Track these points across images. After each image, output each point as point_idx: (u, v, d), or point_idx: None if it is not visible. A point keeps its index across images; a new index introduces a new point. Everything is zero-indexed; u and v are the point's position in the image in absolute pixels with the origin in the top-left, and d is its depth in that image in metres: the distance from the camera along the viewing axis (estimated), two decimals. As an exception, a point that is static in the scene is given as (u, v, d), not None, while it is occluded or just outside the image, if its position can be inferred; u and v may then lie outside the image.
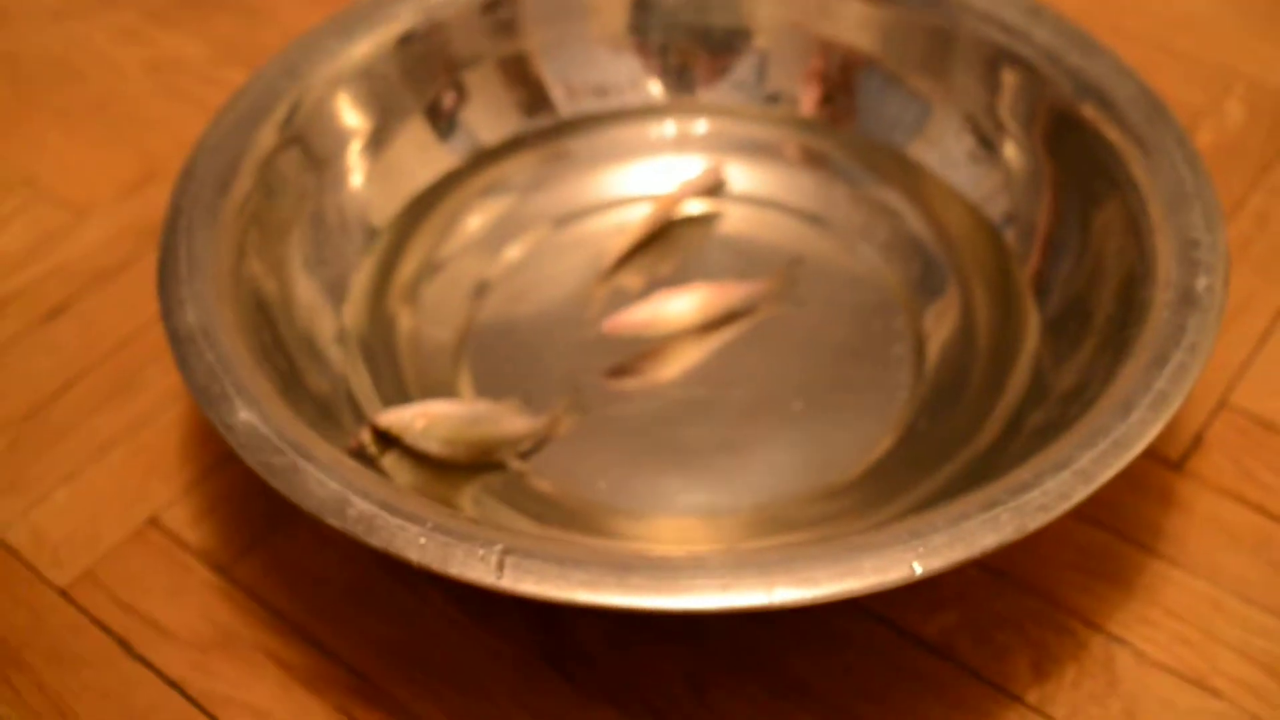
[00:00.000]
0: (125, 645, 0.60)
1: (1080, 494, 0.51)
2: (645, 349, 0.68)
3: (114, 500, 0.66)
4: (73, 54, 0.94)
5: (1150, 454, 0.65)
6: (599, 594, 0.49)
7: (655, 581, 0.49)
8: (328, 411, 0.62)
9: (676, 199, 0.74)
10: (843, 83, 0.76)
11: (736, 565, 0.49)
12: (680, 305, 0.68)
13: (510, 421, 0.64)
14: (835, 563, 0.49)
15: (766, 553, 0.51)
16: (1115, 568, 0.61)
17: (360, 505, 0.51)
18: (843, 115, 0.76)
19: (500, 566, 0.49)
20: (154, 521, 0.65)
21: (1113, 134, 0.65)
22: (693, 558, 0.50)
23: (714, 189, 0.75)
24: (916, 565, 0.49)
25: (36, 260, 0.78)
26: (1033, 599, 0.60)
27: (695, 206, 0.75)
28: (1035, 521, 0.50)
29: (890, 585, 0.49)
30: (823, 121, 0.76)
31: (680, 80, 0.78)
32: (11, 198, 0.82)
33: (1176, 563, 0.61)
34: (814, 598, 0.48)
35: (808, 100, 0.77)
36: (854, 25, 0.75)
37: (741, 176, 0.76)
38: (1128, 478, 0.63)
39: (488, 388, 0.67)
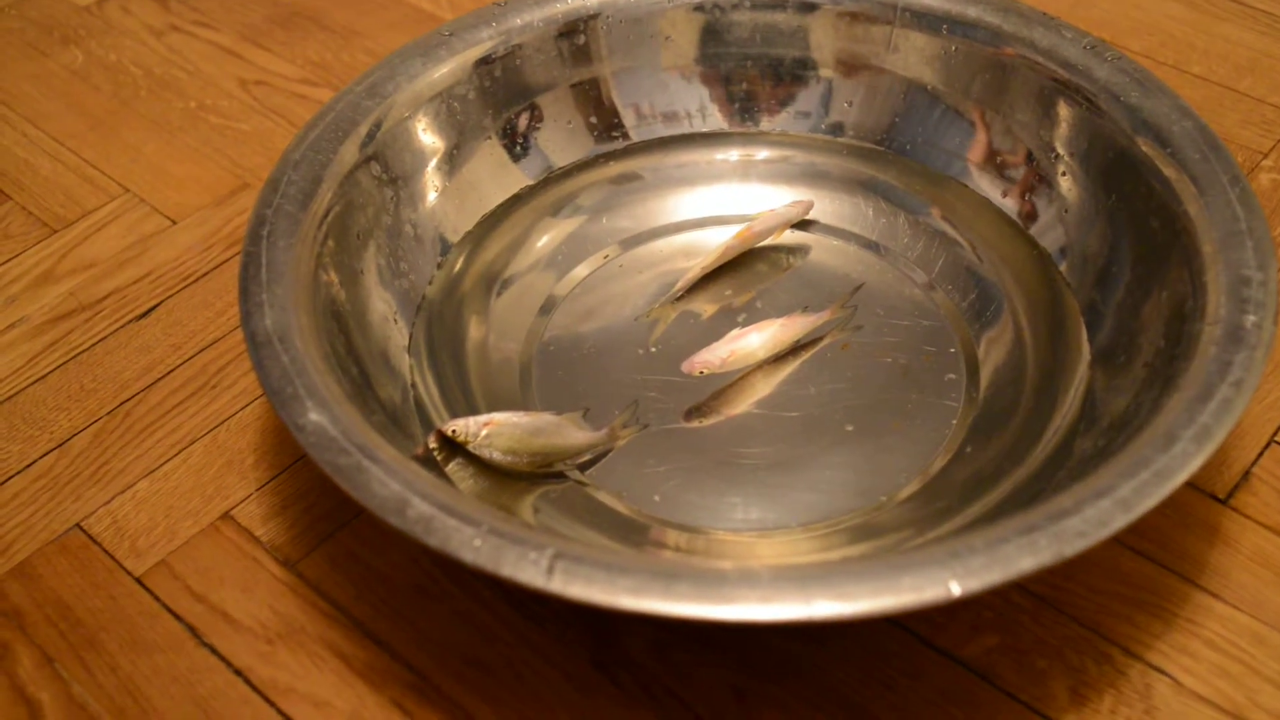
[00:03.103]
0: (195, 633, 0.63)
1: (1119, 522, 0.52)
2: (718, 385, 0.70)
3: (191, 495, 0.68)
4: (172, 69, 0.97)
5: (1197, 488, 0.66)
6: (644, 601, 0.50)
7: (699, 591, 0.51)
8: (396, 418, 0.64)
9: (759, 231, 0.75)
10: (905, 114, 0.77)
11: (778, 579, 0.51)
12: (753, 343, 0.69)
13: (571, 434, 0.66)
14: (874, 580, 0.51)
15: (807, 568, 0.53)
16: (1158, 599, 0.62)
17: (420, 506, 0.54)
18: (904, 146, 0.78)
19: (551, 570, 0.51)
20: (228, 517, 0.68)
21: (1169, 170, 0.66)
22: (737, 570, 0.52)
23: (796, 222, 0.77)
24: (954, 585, 0.50)
25: (130, 264, 0.82)
26: (1074, 626, 0.61)
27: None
28: (1073, 547, 0.51)
29: (927, 604, 0.50)
30: (884, 152, 0.78)
31: (745, 108, 0.80)
32: (109, 203, 0.86)
33: (1220, 596, 0.62)
34: (852, 613, 0.50)
35: (870, 131, 0.78)
36: (918, 58, 0.77)
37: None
38: (1174, 511, 0.65)
39: (551, 401, 0.69)
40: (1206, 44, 0.94)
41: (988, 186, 0.75)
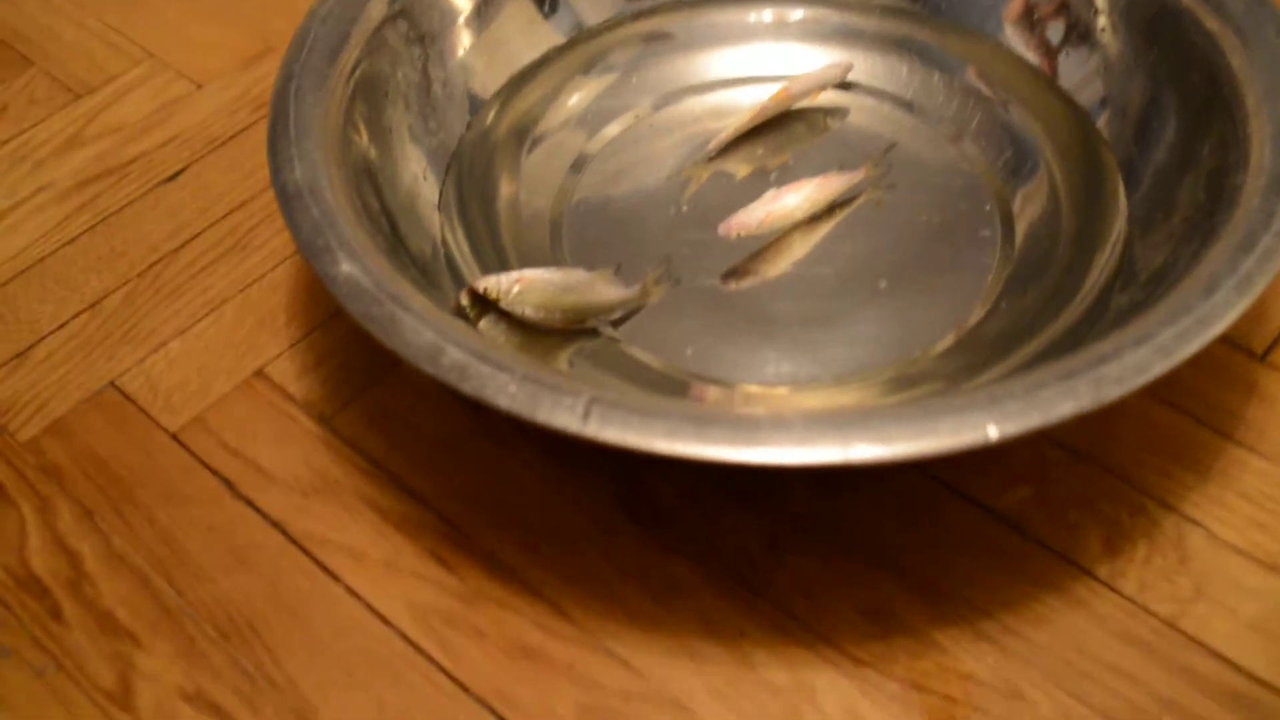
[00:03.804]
0: (231, 486, 0.63)
1: (1158, 368, 0.52)
2: (754, 246, 0.69)
3: (224, 353, 0.69)
4: (193, -67, 0.96)
5: (1235, 344, 0.65)
6: (678, 444, 0.50)
7: (734, 434, 0.50)
8: (428, 275, 0.64)
9: (796, 93, 0.74)
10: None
11: (815, 423, 0.51)
12: (790, 203, 0.69)
13: (603, 290, 0.66)
14: (912, 423, 0.51)
15: (845, 413, 0.53)
16: (1193, 452, 0.62)
17: (454, 354, 0.54)
18: (939, 4, 0.77)
19: (586, 415, 0.51)
20: (261, 374, 0.68)
21: (1211, 23, 0.65)
22: (772, 416, 0.52)
23: (835, 84, 0.76)
24: (992, 429, 0.50)
25: (157, 128, 0.81)
26: (1109, 478, 0.61)
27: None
28: (1111, 393, 0.51)
29: (965, 447, 0.50)
30: (918, 10, 0.77)
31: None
32: (134, 68, 0.85)
33: (1255, 450, 0.62)
34: (890, 456, 0.50)
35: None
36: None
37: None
38: (1211, 366, 0.64)
39: (582, 257, 0.69)
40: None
41: (1023, 43, 0.74)
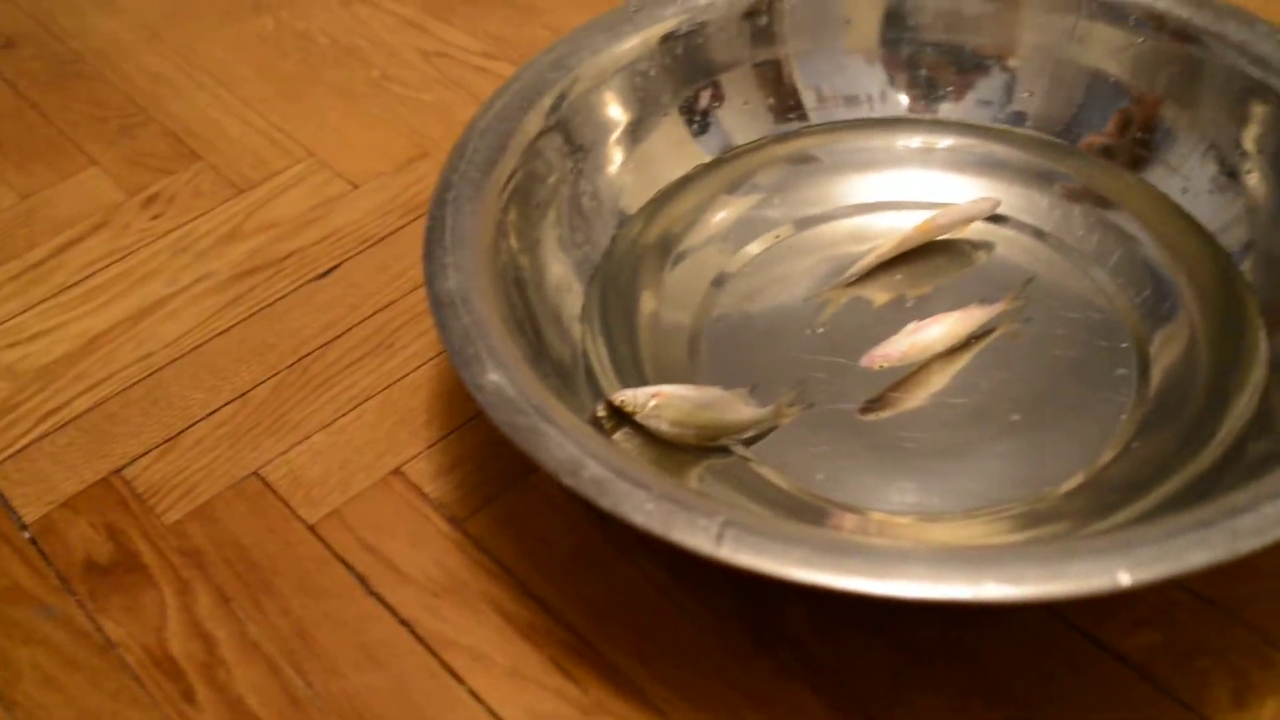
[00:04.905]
0: (364, 582, 0.65)
1: (1297, 523, 0.51)
2: (894, 376, 0.69)
3: (364, 449, 0.71)
4: (357, 38, 1.00)
5: (1376, 497, 0.64)
6: (814, 573, 0.51)
7: (869, 566, 0.51)
8: (568, 384, 0.66)
9: (942, 225, 0.75)
10: (1087, 105, 0.77)
11: (947, 558, 0.51)
12: (932, 335, 0.69)
13: (737, 409, 0.66)
14: (1043, 565, 0.51)
15: (977, 550, 0.53)
16: (1329, 607, 0.61)
17: (594, 468, 0.55)
18: (1085, 139, 0.77)
19: (720, 538, 0.52)
20: (399, 472, 0.69)
21: (1364, 173, 0.65)
22: (905, 548, 0.52)
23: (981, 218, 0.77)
24: (1123, 575, 0.50)
25: (313, 225, 0.84)
26: (1239, 629, 0.60)
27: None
28: (1247, 545, 0.51)
29: (1095, 592, 0.50)
30: (1063, 144, 0.78)
31: (927, 94, 0.80)
32: (294, 166, 0.89)
33: (1395, 608, 0.61)
34: (1020, 596, 0.50)
35: (1051, 122, 0.78)
36: (1105, 51, 0.76)
37: (976, 193, 0.78)
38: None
39: (718, 375, 0.70)
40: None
41: (1169, 182, 0.74)
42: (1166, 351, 0.69)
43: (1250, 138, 0.71)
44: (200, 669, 0.62)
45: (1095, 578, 0.50)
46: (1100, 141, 0.77)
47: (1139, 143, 0.75)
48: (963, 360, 0.70)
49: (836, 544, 0.52)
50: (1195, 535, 0.51)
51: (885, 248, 0.74)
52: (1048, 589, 0.50)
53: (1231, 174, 0.71)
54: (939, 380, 0.69)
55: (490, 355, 0.59)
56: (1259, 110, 0.71)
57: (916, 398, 0.69)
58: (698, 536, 0.52)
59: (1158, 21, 0.74)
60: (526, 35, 0.98)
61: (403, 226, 0.83)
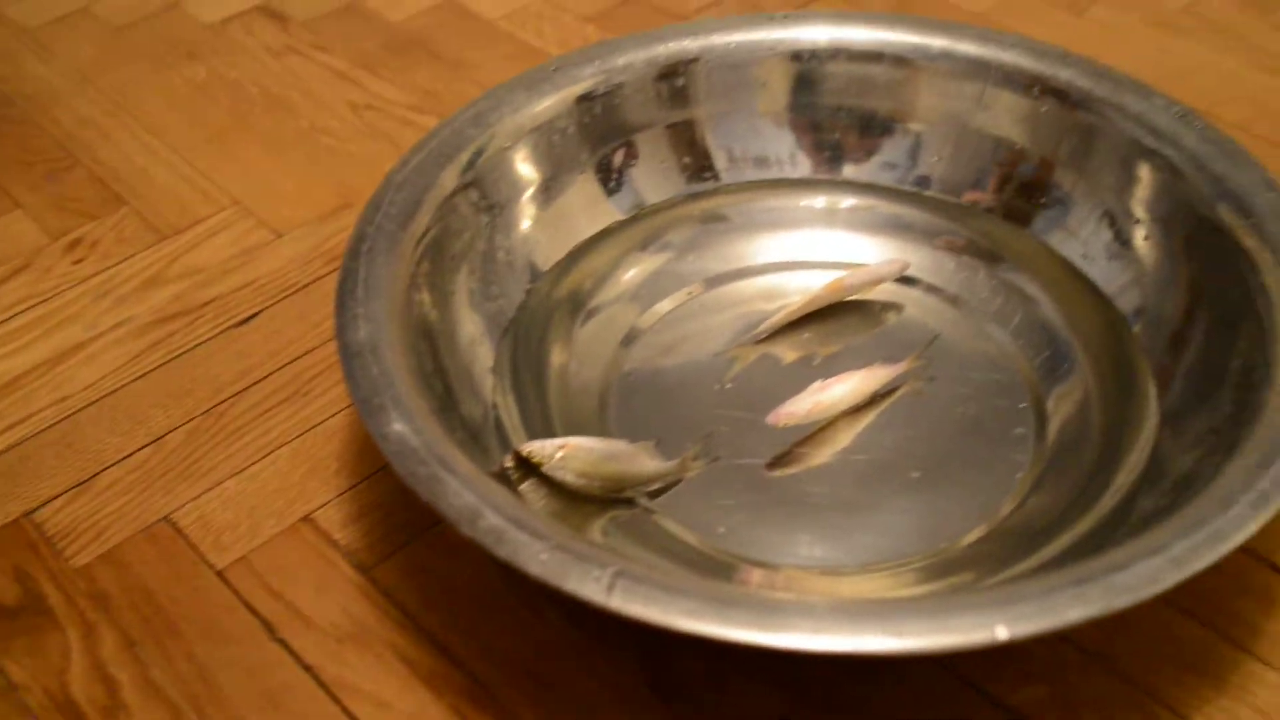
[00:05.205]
0: (269, 628, 0.65)
1: (1170, 580, 0.53)
2: (799, 434, 0.71)
3: (276, 496, 0.71)
4: (288, 89, 1.01)
5: (1259, 557, 0.66)
6: (699, 623, 0.52)
7: (753, 618, 0.52)
8: (476, 436, 0.67)
9: (850, 286, 0.76)
10: (992, 171, 0.79)
11: (831, 611, 0.52)
12: (837, 394, 0.71)
13: (643, 461, 0.68)
14: (925, 619, 0.52)
15: (861, 603, 0.54)
16: (1209, 663, 0.63)
17: (491, 518, 0.56)
18: (989, 203, 0.79)
19: (611, 587, 0.53)
20: (309, 519, 0.70)
21: (1249, 241, 0.67)
22: (793, 601, 0.54)
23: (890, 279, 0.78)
24: (1001, 630, 0.51)
25: (235, 272, 0.85)
26: (1124, 684, 0.62)
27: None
28: (1122, 601, 0.52)
29: (974, 646, 0.51)
30: (968, 207, 0.80)
31: (834, 157, 0.82)
32: (219, 213, 0.90)
33: (1271, 665, 0.62)
34: (901, 649, 0.51)
35: (956, 186, 0.80)
36: (1010, 118, 0.78)
37: (884, 254, 0.80)
38: (1231, 576, 0.65)
39: (626, 429, 0.71)
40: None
41: (1069, 245, 0.76)
42: (1062, 409, 0.71)
43: (1141, 205, 0.73)
44: (102, 712, 0.62)
45: (974, 632, 0.52)
46: (1004, 206, 0.79)
47: (1040, 207, 0.78)
48: (867, 418, 0.72)
49: (724, 595, 0.53)
50: (1073, 591, 0.53)
51: (795, 306, 0.76)
52: (928, 642, 0.51)
53: (1125, 240, 0.74)
54: (844, 438, 0.71)
55: (395, 406, 0.60)
56: (1150, 178, 0.73)
57: (822, 454, 0.70)
58: (589, 586, 0.53)
59: (1060, 91, 0.77)
60: (455, 90, 1.00)
61: (324, 276, 0.84)
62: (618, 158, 0.80)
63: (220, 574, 0.68)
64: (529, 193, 0.77)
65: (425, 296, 0.69)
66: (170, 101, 1.01)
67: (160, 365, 0.79)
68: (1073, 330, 0.74)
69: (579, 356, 0.75)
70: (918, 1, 1.08)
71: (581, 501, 0.67)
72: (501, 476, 0.65)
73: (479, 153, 0.74)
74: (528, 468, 0.66)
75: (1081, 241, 0.76)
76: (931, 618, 0.52)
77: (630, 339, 0.76)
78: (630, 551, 0.64)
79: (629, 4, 1.09)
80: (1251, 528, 0.55)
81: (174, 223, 0.89)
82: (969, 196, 0.80)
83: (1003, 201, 0.79)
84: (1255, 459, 0.57)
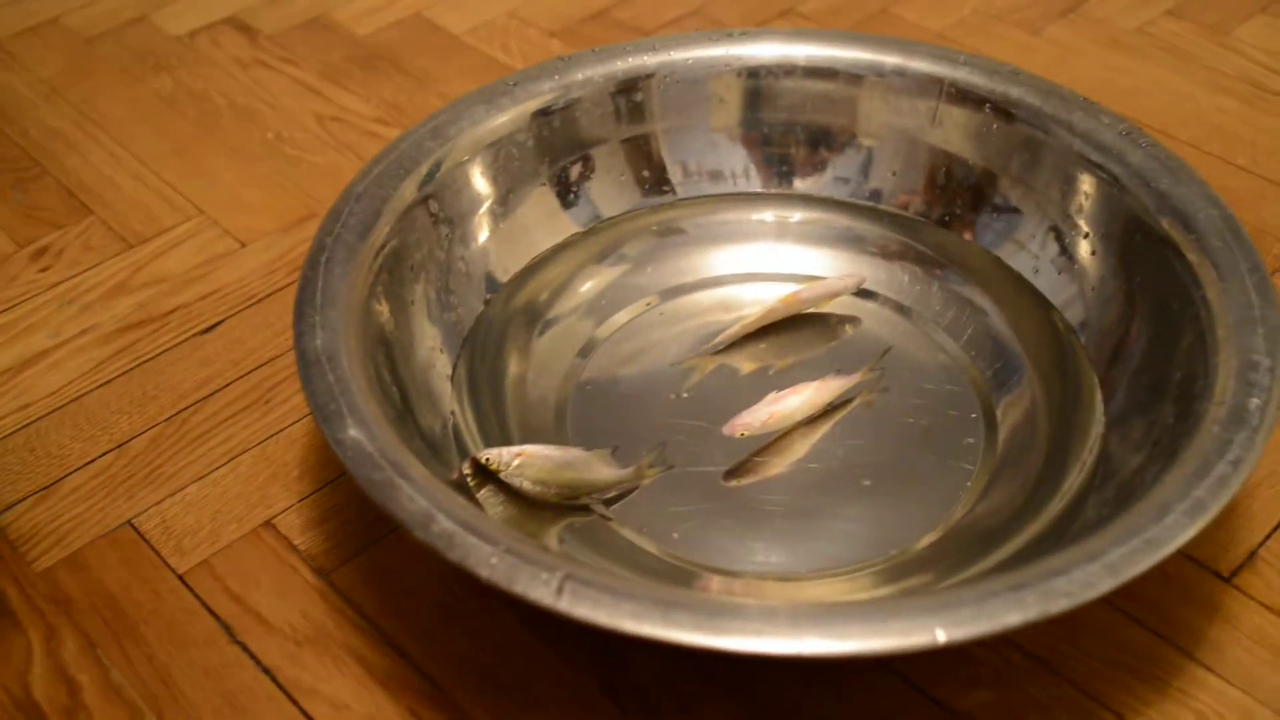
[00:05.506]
0: (229, 631, 0.66)
1: (1105, 585, 0.54)
2: (755, 444, 0.72)
3: (237, 501, 0.72)
4: (254, 100, 1.02)
5: (1201, 564, 0.68)
6: (643, 625, 0.53)
7: (696, 620, 0.53)
8: (434, 445, 0.68)
9: (805, 299, 0.78)
10: (944, 186, 0.80)
11: (772, 615, 0.54)
12: (791, 405, 0.72)
13: (599, 469, 0.69)
14: (864, 622, 0.53)
15: (802, 607, 0.55)
16: (1153, 668, 0.64)
17: (443, 523, 0.57)
18: (942, 217, 0.81)
19: (560, 590, 0.54)
20: (269, 524, 0.71)
21: (1191, 255, 0.68)
22: (736, 604, 0.55)
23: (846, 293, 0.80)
24: (940, 633, 0.53)
25: (199, 281, 0.86)
26: (1068, 688, 0.63)
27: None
28: (1058, 606, 0.54)
29: (913, 649, 0.53)
30: (921, 221, 0.81)
31: (787, 172, 0.83)
32: (184, 223, 0.91)
33: (1214, 670, 0.64)
34: (839, 651, 0.53)
35: (908, 200, 0.82)
36: (961, 134, 0.80)
37: (839, 267, 0.81)
38: (1175, 584, 0.67)
39: (583, 438, 0.72)
40: (1254, 137, 0.96)
41: (1019, 260, 0.78)
42: (1010, 416, 0.72)
43: (1087, 219, 0.75)
44: (63, 713, 0.63)
45: (913, 635, 0.53)
46: (956, 219, 0.80)
47: (991, 221, 0.79)
48: (822, 429, 0.73)
49: (669, 598, 0.54)
50: (1011, 596, 0.54)
51: (752, 318, 0.77)
52: (867, 645, 0.53)
53: (1071, 253, 0.75)
54: (800, 448, 0.72)
55: (351, 412, 0.61)
56: (1095, 193, 0.75)
57: (777, 464, 0.72)
58: (539, 589, 0.54)
59: (1011, 108, 0.78)
60: (419, 103, 1.01)
61: (287, 285, 0.85)
62: (575, 171, 0.81)
63: (181, 578, 0.69)
64: (487, 205, 0.78)
65: (384, 306, 0.70)
66: (138, 112, 1.02)
67: (124, 372, 0.80)
68: (1022, 341, 0.75)
69: (536, 367, 0.76)
70: (878, 21, 1.10)
71: (538, 508, 0.68)
72: (459, 484, 0.67)
73: (438, 165, 0.76)
74: (485, 475, 0.68)
75: (1031, 254, 0.77)
76: (872, 621, 0.53)
77: (587, 350, 0.77)
78: (585, 558, 0.65)
79: (593, 20, 1.11)
80: (1187, 535, 0.56)
81: (140, 232, 0.90)
82: (921, 210, 0.81)
83: (955, 215, 0.80)
84: (1193, 468, 0.59)
